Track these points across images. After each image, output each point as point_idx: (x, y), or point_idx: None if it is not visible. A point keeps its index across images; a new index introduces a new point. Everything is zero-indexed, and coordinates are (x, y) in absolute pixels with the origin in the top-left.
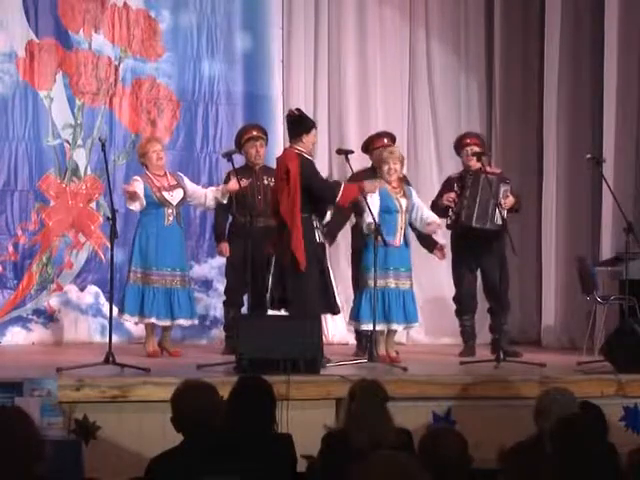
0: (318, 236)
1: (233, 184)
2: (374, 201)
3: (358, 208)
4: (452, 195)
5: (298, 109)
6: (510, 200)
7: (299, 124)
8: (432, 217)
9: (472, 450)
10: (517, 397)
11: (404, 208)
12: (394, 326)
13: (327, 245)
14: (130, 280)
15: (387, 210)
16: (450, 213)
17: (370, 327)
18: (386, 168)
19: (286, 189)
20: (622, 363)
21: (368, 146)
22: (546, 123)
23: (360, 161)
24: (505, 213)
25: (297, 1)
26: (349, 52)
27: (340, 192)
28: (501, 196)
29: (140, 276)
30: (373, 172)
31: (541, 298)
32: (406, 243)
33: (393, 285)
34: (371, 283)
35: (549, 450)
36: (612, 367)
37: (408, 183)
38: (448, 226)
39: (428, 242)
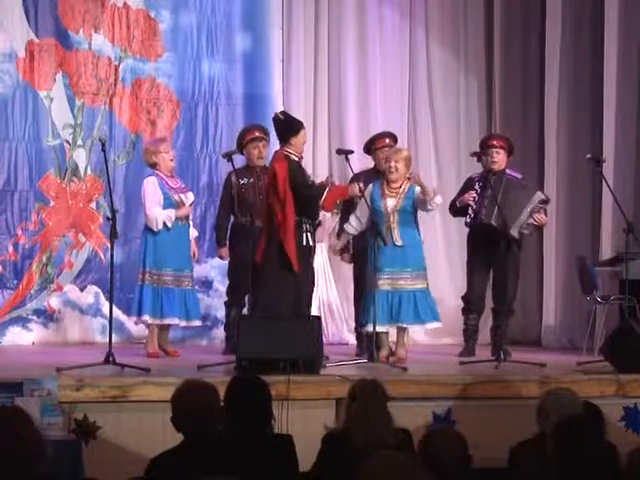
0: (307, 239)
1: (184, 211)
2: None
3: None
4: (473, 193)
5: (283, 112)
6: (542, 217)
7: (286, 128)
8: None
9: (472, 450)
10: (517, 397)
11: (389, 209)
12: (384, 327)
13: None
14: (146, 281)
15: (375, 211)
16: (470, 211)
17: (381, 329)
18: (387, 166)
19: (275, 192)
20: (622, 363)
21: (370, 146)
22: (546, 123)
23: (360, 161)
24: (531, 226)
25: (297, 1)
26: (349, 52)
27: (324, 194)
28: (535, 207)
29: (156, 277)
30: (375, 173)
31: (541, 298)
32: (405, 243)
33: (388, 287)
34: (370, 285)
35: (550, 450)
36: (612, 367)
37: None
38: (467, 224)
39: None
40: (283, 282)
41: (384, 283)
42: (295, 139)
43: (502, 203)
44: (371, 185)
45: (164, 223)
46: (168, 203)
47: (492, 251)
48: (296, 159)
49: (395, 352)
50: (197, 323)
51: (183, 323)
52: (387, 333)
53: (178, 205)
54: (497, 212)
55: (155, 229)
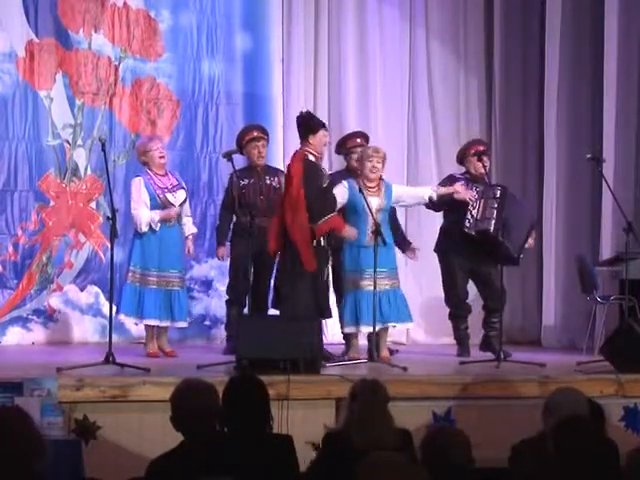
0: (321, 240)
1: (168, 213)
2: (343, 198)
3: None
4: (473, 193)
5: (307, 110)
6: (532, 242)
7: (305, 125)
8: (423, 192)
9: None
10: (517, 397)
11: (374, 208)
12: (363, 328)
13: None
14: (128, 280)
15: (354, 210)
16: (469, 216)
17: (348, 330)
18: (369, 166)
19: (290, 192)
20: (622, 363)
21: (342, 147)
22: (546, 123)
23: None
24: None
25: (297, 1)
26: (349, 51)
27: (325, 220)
28: (530, 231)
29: (139, 277)
30: (348, 172)
31: (541, 298)
32: (384, 243)
33: (367, 287)
34: (348, 286)
35: (550, 449)
36: (612, 367)
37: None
38: (466, 227)
39: (400, 241)
40: (300, 282)
41: (369, 284)
42: (313, 137)
43: (506, 217)
44: (345, 182)
45: (150, 226)
46: (154, 204)
47: (471, 252)
48: (313, 159)
49: (379, 352)
50: (182, 324)
51: (166, 324)
52: (357, 335)
53: (164, 205)
54: (503, 229)
55: (139, 230)
